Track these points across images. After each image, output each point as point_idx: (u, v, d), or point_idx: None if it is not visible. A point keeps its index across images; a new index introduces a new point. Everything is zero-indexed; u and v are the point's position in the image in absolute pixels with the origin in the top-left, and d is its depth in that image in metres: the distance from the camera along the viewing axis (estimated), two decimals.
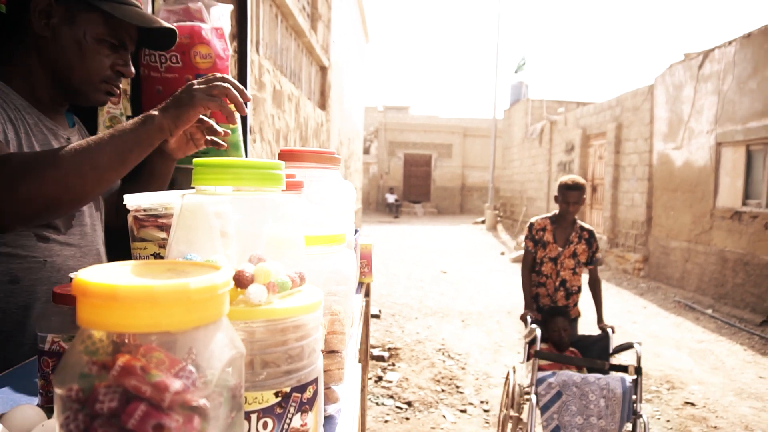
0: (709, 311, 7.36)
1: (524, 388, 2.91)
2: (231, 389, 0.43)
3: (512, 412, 2.99)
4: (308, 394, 0.53)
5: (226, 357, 0.40)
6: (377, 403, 4.12)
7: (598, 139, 12.23)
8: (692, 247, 8.59)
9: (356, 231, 1.47)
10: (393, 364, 4.97)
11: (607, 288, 9.10)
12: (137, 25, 1.14)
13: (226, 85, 0.99)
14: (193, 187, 0.56)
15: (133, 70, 1.22)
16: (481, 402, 4.28)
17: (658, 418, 4.01)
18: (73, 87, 1.12)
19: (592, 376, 2.70)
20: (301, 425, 0.52)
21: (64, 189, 0.80)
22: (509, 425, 3.03)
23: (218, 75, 1.02)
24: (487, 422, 3.94)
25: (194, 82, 1.02)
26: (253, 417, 0.50)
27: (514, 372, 3.20)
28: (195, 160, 0.54)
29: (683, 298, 8.21)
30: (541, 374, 2.76)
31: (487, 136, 24.12)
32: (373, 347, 5.32)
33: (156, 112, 0.94)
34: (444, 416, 3.98)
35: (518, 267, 11.27)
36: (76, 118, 1.33)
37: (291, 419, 0.52)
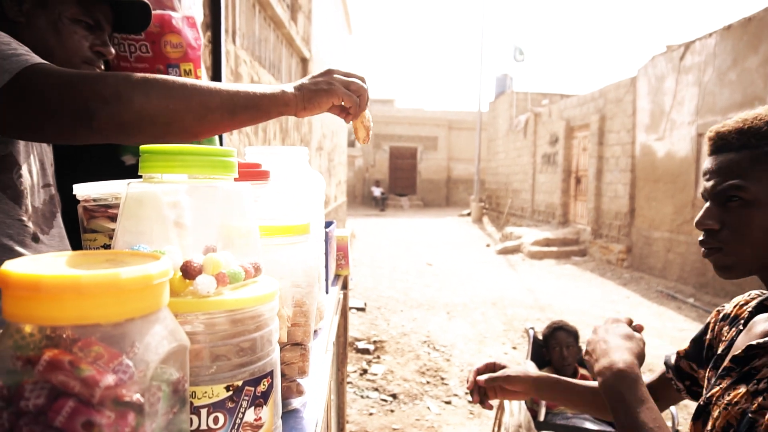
0: (691, 300, 7.47)
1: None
2: (173, 384, 0.41)
3: None
4: (262, 387, 0.52)
5: (164, 350, 0.38)
6: (362, 396, 4.12)
7: (582, 131, 12.30)
8: (674, 237, 8.69)
9: (331, 223, 1.46)
10: (378, 357, 4.97)
11: (590, 279, 9.19)
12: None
13: (365, 86, 0.95)
14: (140, 175, 0.53)
15: (112, 50, 1.20)
16: (466, 393, 4.29)
17: None
18: None
19: None
20: (255, 419, 0.51)
21: (167, 108, 0.74)
22: None
23: (359, 74, 0.97)
24: (471, 413, 3.96)
25: (335, 69, 0.97)
26: (203, 412, 0.48)
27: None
28: (142, 147, 0.52)
29: (665, 287, 8.32)
30: None
31: (473, 129, 24.17)
32: (358, 340, 5.32)
33: (290, 88, 0.90)
34: (429, 408, 3.99)
35: (504, 259, 11.36)
36: None
37: (244, 414, 0.50)
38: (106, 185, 0.68)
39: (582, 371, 2.80)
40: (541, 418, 2.38)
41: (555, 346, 2.78)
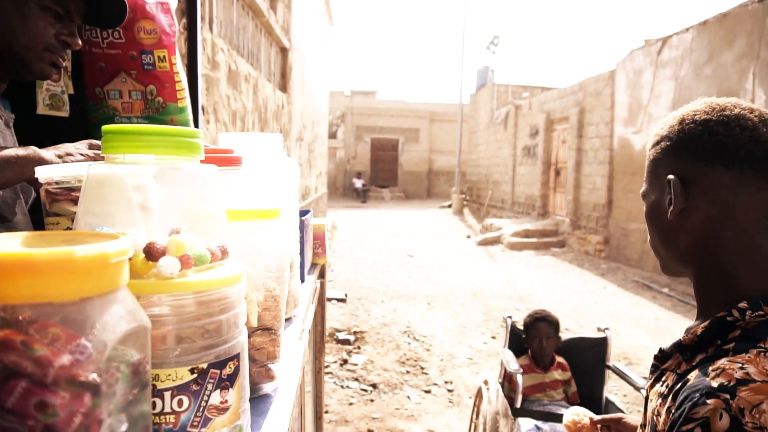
0: (666, 290, 7.61)
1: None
2: (132, 365, 0.40)
3: None
4: (228, 370, 0.51)
5: (122, 330, 0.38)
6: (342, 386, 4.13)
7: (562, 124, 12.42)
8: None
9: (307, 211, 1.45)
10: (358, 348, 4.98)
11: (569, 269, 9.31)
12: None
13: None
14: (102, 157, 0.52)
15: (79, 41, 1.17)
16: (446, 382, 4.33)
17: (616, 393, 4.13)
18: (14, 54, 1.08)
19: None
20: (221, 402, 0.51)
21: None
22: None
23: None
24: (450, 402, 4.00)
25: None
26: (167, 395, 0.47)
27: (487, 387, 2.80)
28: (104, 126, 0.51)
29: (641, 278, 8.46)
30: (522, 430, 2.32)
31: (454, 121, 24.21)
32: (339, 331, 5.32)
33: (45, 153, 0.95)
34: (408, 397, 4.02)
35: (484, 250, 11.43)
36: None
37: (209, 396, 0.50)
38: (69, 167, 0.67)
39: (559, 359, 2.84)
40: (518, 405, 2.41)
41: (536, 336, 2.78)
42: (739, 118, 0.75)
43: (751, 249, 0.75)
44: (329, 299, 6.38)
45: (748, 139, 0.73)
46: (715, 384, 0.65)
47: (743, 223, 0.75)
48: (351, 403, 3.85)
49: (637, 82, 9.29)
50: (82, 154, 1.00)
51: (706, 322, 0.75)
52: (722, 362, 0.68)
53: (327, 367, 4.46)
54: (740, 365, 0.66)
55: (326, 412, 3.68)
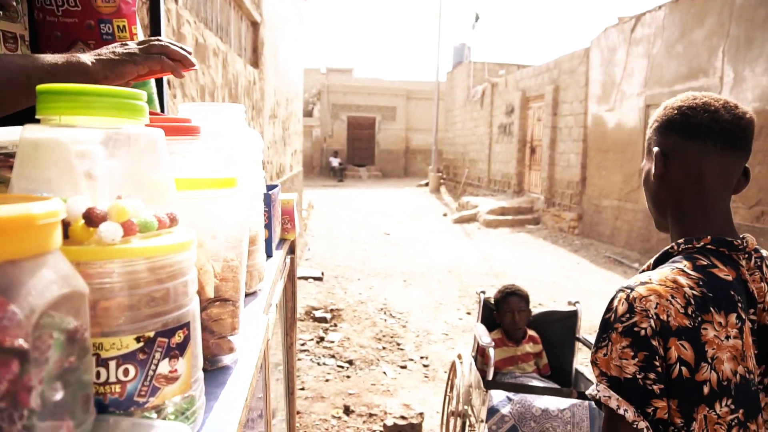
0: (636, 265, 7.79)
1: (470, 409, 2.51)
2: (68, 332, 0.39)
3: (460, 407, 2.68)
4: (177, 338, 0.50)
5: (53, 295, 0.36)
6: (318, 363, 4.15)
7: (537, 101, 12.47)
8: (622, 206, 9.00)
9: (274, 186, 1.43)
10: (335, 325, 5.00)
11: (543, 246, 9.45)
12: None
13: (164, 42, 0.93)
14: (37, 119, 0.50)
15: (12, 1, 1.10)
16: (421, 357, 4.38)
17: (586, 365, 4.23)
18: None
19: (554, 407, 2.26)
20: (170, 371, 0.49)
21: None
22: (452, 422, 2.73)
23: (155, 39, 0.94)
24: (426, 376, 4.05)
25: (129, 41, 0.93)
26: (112, 364, 0.46)
27: (461, 361, 2.88)
28: (38, 86, 0.48)
29: (613, 253, 8.64)
30: (494, 402, 2.32)
31: (431, 99, 24.12)
32: (316, 309, 5.33)
33: (86, 58, 0.85)
34: (385, 373, 4.06)
35: (460, 228, 11.51)
36: None
37: (157, 365, 0.48)
38: (6, 131, 0.64)
39: (530, 332, 2.89)
40: (490, 377, 2.45)
41: (507, 311, 2.81)
42: (705, 103, 0.96)
43: (706, 204, 0.97)
44: (306, 278, 6.37)
45: (709, 119, 0.94)
46: (625, 284, 0.92)
47: (707, 184, 0.97)
48: (327, 380, 3.88)
49: (611, 60, 9.35)
50: (135, 60, 0.87)
51: (658, 254, 1.00)
52: (642, 273, 0.96)
53: (303, 344, 4.47)
54: (648, 275, 0.92)
55: (302, 388, 3.70)
